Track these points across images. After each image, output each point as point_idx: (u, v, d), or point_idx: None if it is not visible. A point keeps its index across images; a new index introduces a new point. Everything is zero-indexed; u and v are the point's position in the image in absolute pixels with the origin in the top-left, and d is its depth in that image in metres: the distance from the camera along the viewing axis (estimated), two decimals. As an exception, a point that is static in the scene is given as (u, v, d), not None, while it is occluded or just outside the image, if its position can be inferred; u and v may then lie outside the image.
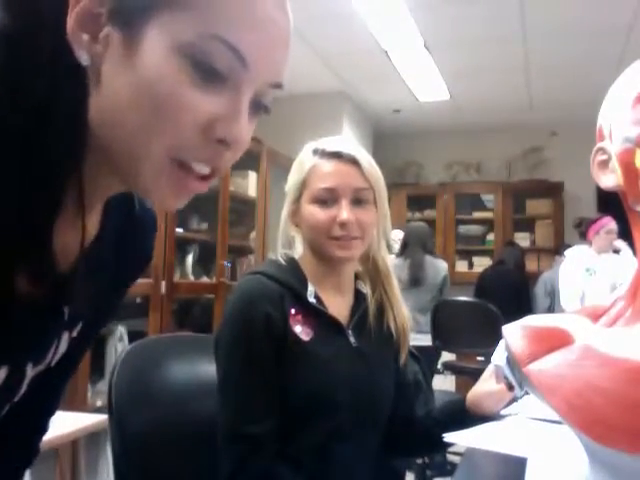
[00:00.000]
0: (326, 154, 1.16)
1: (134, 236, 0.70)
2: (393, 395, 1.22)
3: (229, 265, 3.71)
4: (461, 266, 6.40)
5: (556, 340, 0.69)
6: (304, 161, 1.19)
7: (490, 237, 6.35)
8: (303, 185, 1.17)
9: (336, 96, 5.39)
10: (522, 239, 6.23)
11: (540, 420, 1.11)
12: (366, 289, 1.25)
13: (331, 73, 4.99)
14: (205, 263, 3.78)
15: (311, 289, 1.15)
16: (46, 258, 0.52)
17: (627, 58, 4.33)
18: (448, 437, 1.03)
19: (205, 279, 3.73)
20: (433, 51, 4.48)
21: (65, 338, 0.64)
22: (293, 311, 1.11)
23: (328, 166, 1.16)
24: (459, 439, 1.03)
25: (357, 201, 1.15)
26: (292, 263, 1.19)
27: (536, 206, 6.25)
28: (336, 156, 1.16)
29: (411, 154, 6.57)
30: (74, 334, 0.66)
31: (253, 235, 4.19)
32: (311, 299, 1.14)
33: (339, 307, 1.19)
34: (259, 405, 1.06)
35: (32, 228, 0.50)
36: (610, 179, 0.74)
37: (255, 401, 1.06)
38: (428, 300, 3.89)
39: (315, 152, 1.18)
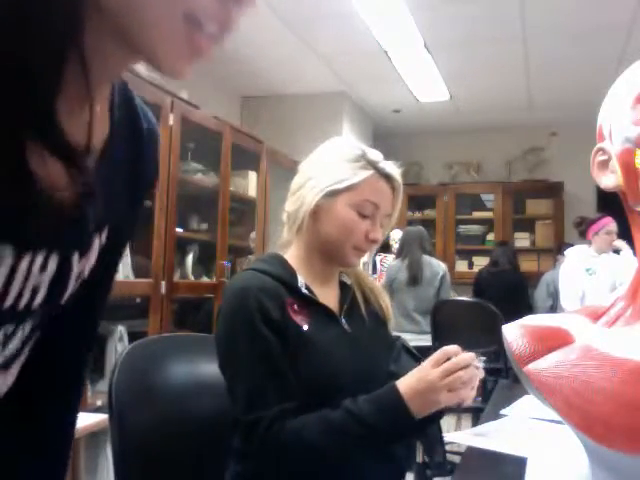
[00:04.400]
0: (384, 173, 1.22)
1: (139, 141, 0.70)
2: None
3: (229, 265, 3.71)
4: (461, 266, 6.40)
5: (556, 340, 0.69)
6: (359, 167, 1.21)
7: (490, 237, 6.34)
8: (349, 187, 1.19)
9: (336, 96, 5.39)
10: (522, 239, 6.24)
11: (540, 420, 1.12)
12: (349, 280, 1.30)
13: (331, 73, 4.99)
14: (205, 263, 3.78)
15: (301, 281, 1.19)
16: (54, 128, 0.50)
17: (627, 58, 4.34)
18: (448, 437, 1.03)
19: (205, 279, 3.73)
20: (433, 51, 4.48)
21: (96, 245, 0.65)
22: (289, 301, 1.14)
23: (382, 184, 1.22)
24: (459, 439, 1.03)
25: (380, 224, 1.24)
26: (278, 258, 1.23)
27: (536, 206, 6.25)
28: (389, 178, 1.23)
29: (411, 154, 6.57)
30: (103, 240, 0.66)
31: (253, 235, 4.19)
32: (303, 290, 1.18)
33: (328, 298, 1.23)
34: (271, 390, 1.07)
35: (35, 95, 0.49)
36: (610, 179, 0.74)
37: (267, 386, 1.07)
38: (428, 301, 3.89)
39: (372, 164, 1.22)
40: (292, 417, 1.05)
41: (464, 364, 1.05)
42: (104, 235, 0.67)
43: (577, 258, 3.98)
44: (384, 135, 6.32)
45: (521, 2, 3.72)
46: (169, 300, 3.15)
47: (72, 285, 0.64)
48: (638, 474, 0.62)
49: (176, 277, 3.33)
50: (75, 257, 0.62)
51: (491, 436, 1.04)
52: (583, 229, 3.97)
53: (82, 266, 0.64)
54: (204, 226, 3.75)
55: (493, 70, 4.87)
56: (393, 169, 1.24)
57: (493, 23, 4.02)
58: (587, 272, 3.85)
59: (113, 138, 0.63)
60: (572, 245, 4.68)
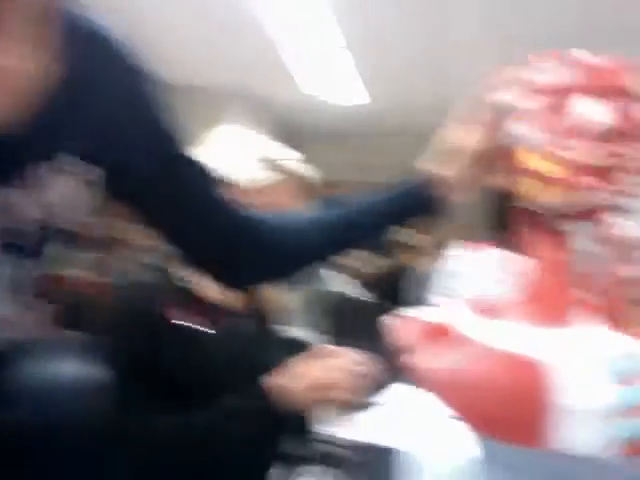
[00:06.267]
0: (296, 175, 1.20)
1: (106, 52, 0.71)
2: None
3: (108, 261, 3.55)
4: (359, 263, 6.48)
5: (438, 332, 0.69)
6: (266, 166, 1.17)
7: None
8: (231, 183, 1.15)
9: (249, 92, 5.24)
10: (407, 235, 6.43)
11: (413, 409, 1.12)
12: None
13: (245, 69, 4.83)
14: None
15: (184, 272, 1.14)
16: None
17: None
18: (319, 429, 1.03)
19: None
20: (353, 52, 4.43)
21: (49, 174, 0.65)
22: (172, 298, 1.10)
23: (293, 187, 1.20)
24: (331, 431, 1.02)
25: None
26: (166, 253, 1.16)
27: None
28: (301, 180, 1.21)
29: (326, 156, 6.40)
30: (63, 165, 0.66)
31: (134, 227, 4.02)
32: (188, 286, 1.14)
33: (212, 290, 1.18)
34: (144, 391, 1.03)
35: None
36: (495, 177, 0.75)
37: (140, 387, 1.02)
38: (315, 294, 3.90)
39: (284, 166, 1.19)
40: (162, 420, 1.02)
41: (342, 366, 1.04)
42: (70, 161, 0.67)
43: (451, 260, 4.11)
44: (299, 136, 6.17)
45: (443, 6, 3.77)
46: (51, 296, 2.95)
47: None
48: (516, 463, 0.63)
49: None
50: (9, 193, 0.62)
51: (376, 430, 1.04)
52: None
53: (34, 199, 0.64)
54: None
55: (413, 73, 4.90)
56: (307, 170, 1.22)
57: (414, 27, 4.05)
58: (459, 274, 4.00)
59: (69, 73, 0.64)
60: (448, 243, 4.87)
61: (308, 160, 1.23)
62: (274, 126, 5.97)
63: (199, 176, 0.84)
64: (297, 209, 1.19)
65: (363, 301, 4.02)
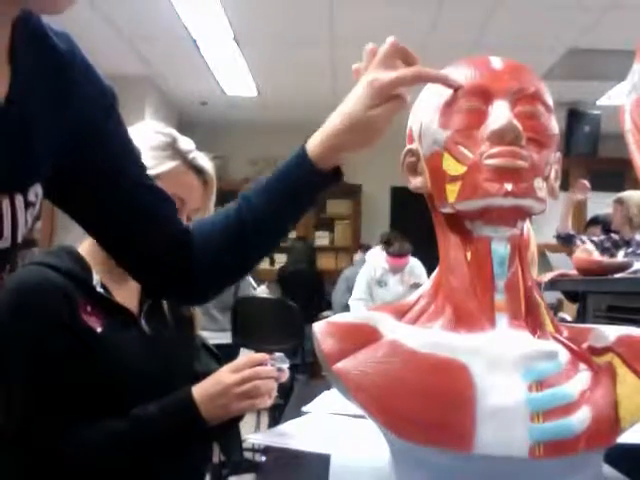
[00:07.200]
0: (194, 165, 1.16)
1: (63, 69, 0.71)
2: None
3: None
4: (263, 263, 6.47)
5: (365, 337, 0.69)
6: (165, 156, 1.12)
7: (292, 235, 6.51)
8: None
9: (141, 81, 5.15)
10: (322, 238, 6.52)
11: (342, 415, 1.13)
12: None
13: (136, 57, 4.75)
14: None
15: (96, 279, 1.09)
16: None
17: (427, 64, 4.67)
18: (251, 438, 1.02)
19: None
20: (242, 45, 4.46)
21: (19, 200, 0.66)
22: (81, 302, 1.04)
23: (190, 177, 1.16)
24: (262, 440, 1.01)
25: (188, 218, 1.16)
26: (72, 253, 1.12)
27: (336, 206, 6.56)
28: (199, 171, 1.16)
29: (216, 148, 6.49)
30: (32, 197, 0.67)
31: (38, 225, 3.83)
32: (98, 289, 1.08)
33: (128, 296, 1.15)
34: (53, 403, 1.00)
35: None
36: (418, 181, 0.76)
37: (48, 399, 0.99)
38: (227, 298, 3.85)
39: (181, 154, 1.14)
40: (75, 432, 0.98)
41: (265, 375, 1.05)
42: (33, 192, 0.68)
43: (372, 267, 4.17)
44: (190, 126, 6.18)
45: (330, 3, 3.83)
46: None
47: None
48: (437, 466, 0.64)
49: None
50: None
51: (294, 435, 1.03)
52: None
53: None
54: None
55: (301, 69, 4.98)
56: (205, 161, 1.18)
57: (303, 23, 4.11)
58: (378, 284, 4.08)
59: (17, 86, 0.64)
60: (369, 246, 4.98)
61: (200, 149, 1.21)
62: (170, 115, 5.92)
63: (149, 190, 0.85)
64: (196, 198, 1.17)
65: (275, 301, 4.03)
